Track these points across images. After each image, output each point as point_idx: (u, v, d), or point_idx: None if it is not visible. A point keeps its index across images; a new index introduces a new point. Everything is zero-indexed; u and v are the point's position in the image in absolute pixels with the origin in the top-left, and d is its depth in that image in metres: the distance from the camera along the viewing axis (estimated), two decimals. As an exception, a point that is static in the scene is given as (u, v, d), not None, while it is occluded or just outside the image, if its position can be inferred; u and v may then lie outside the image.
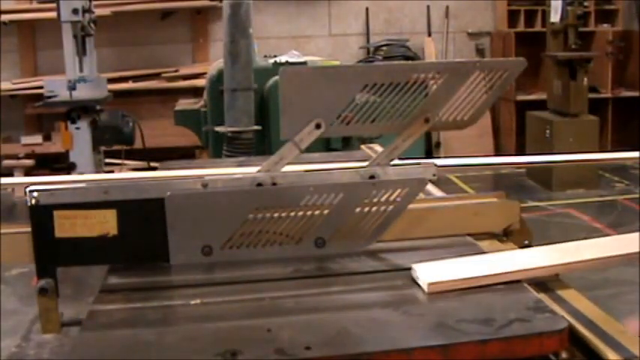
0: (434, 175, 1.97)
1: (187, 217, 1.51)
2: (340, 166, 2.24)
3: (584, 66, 6.15)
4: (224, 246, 1.53)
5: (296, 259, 1.56)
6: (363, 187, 1.57)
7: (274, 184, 1.58)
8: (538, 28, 7.18)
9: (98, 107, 4.92)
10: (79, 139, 4.79)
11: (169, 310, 1.39)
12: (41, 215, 1.50)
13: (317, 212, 1.54)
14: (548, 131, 6.24)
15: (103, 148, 5.08)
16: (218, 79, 4.39)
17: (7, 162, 6.37)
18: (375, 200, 1.56)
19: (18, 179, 4.53)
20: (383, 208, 1.57)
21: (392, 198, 1.57)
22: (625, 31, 7.50)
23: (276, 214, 1.53)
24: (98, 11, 5.27)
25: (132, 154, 5.71)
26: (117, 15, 6.36)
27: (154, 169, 3.01)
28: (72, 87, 4.80)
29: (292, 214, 1.53)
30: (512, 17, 7.33)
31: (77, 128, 4.80)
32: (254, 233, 1.54)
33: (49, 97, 4.90)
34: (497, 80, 1.75)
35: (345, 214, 1.56)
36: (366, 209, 1.57)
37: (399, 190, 1.57)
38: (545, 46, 6.60)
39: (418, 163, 1.81)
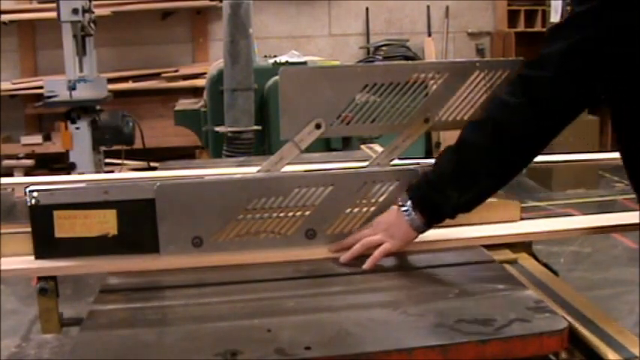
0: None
1: (177, 208, 1.51)
2: (340, 166, 2.25)
3: (584, 66, 6.14)
4: (214, 237, 1.53)
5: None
6: (353, 178, 1.57)
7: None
8: (538, 28, 7.17)
9: (98, 107, 4.92)
10: (79, 139, 4.79)
11: (169, 310, 1.39)
12: (41, 215, 1.50)
13: (308, 203, 1.54)
14: (548, 131, 6.23)
15: (103, 148, 5.08)
16: (218, 79, 4.38)
17: (7, 162, 6.37)
18: (366, 192, 1.56)
19: (18, 179, 4.52)
20: (373, 199, 1.57)
21: (382, 190, 1.57)
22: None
23: (266, 205, 1.53)
24: (98, 11, 5.27)
25: (132, 154, 5.71)
26: (117, 15, 6.35)
27: (154, 169, 3.01)
28: (72, 87, 4.80)
29: (283, 204, 1.53)
30: (512, 17, 7.32)
31: (77, 128, 4.80)
32: (244, 224, 1.54)
33: (49, 97, 4.89)
34: (497, 80, 1.75)
35: (335, 205, 1.56)
36: (357, 200, 1.57)
37: (389, 182, 1.57)
38: (545, 46, 6.59)
39: (418, 163, 1.81)
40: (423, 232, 1.51)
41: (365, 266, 1.50)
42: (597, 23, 1.31)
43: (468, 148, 1.43)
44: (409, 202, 1.49)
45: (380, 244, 1.51)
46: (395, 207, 1.52)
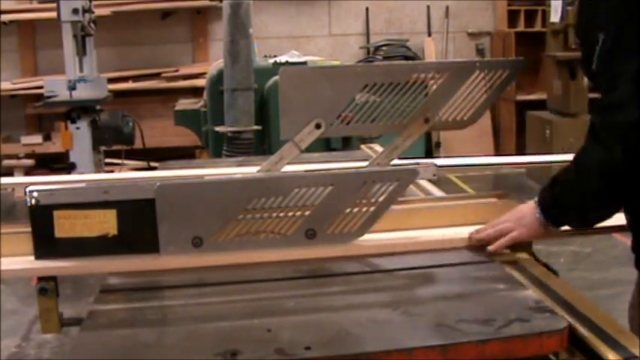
0: (434, 175, 1.97)
1: (177, 208, 1.51)
2: (340, 166, 2.25)
3: (584, 66, 6.14)
4: (214, 237, 1.53)
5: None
6: (353, 178, 1.57)
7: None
8: (538, 28, 7.16)
9: (98, 107, 4.91)
10: (79, 139, 4.79)
11: (169, 310, 1.39)
12: (41, 215, 1.50)
13: (308, 203, 1.54)
14: (548, 131, 6.24)
15: (103, 148, 5.08)
16: (218, 79, 4.38)
17: (7, 162, 6.37)
18: (366, 192, 1.56)
19: (18, 179, 4.53)
20: (373, 199, 1.57)
21: (382, 190, 1.57)
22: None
23: (266, 205, 1.53)
24: (98, 11, 5.27)
25: (132, 154, 5.71)
26: (117, 15, 6.35)
27: (154, 169, 3.01)
28: (72, 87, 4.80)
29: (283, 204, 1.53)
30: (512, 17, 7.32)
31: (77, 128, 4.79)
32: (244, 224, 1.54)
33: (49, 97, 4.89)
34: (497, 80, 1.75)
35: (335, 206, 1.56)
36: (357, 200, 1.57)
37: (389, 182, 1.57)
38: (545, 46, 6.60)
39: (418, 163, 1.81)
40: (550, 228, 1.57)
41: (491, 248, 1.57)
42: None
43: (582, 193, 1.49)
44: (539, 207, 1.56)
45: (510, 232, 1.58)
46: (533, 202, 1.59)
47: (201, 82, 5.87)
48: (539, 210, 1.55)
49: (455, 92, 1.75)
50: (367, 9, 7.23)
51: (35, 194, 1.50)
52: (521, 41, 7.06)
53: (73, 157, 4.80)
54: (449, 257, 1.56)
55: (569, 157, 2.17)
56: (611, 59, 1.37)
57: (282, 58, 4.79)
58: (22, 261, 1.54)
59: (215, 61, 5.10)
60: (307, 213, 1.55)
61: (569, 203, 1.52)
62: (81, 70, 4.85)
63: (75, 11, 4.60)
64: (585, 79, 6.20)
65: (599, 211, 1.52)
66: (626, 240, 1.63)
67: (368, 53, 7.18)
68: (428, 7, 7.32)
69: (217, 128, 4.24)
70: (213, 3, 6.63)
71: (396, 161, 1.81)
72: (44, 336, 3.25)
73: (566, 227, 1.59)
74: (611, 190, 1.46)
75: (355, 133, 1.90)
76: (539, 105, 6.75)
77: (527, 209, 1.59)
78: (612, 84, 1.38)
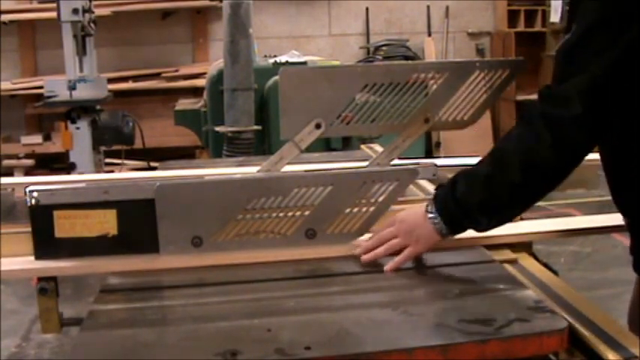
0: (434, 175, 1.97)
1: (177, 208, 1.51)
2: (340, 166, 2.25)
3: (584, 66, 6.14)
4: (214, 237, 1.53)
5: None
6: (353, 178, 1.57)
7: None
8: (538, 28, 7.17)
9: (98, 107, 4.92)
10: (79, 139, 4.79)
11: (169, 310, 1.39)
12: (41, 215, 1.50)
13: (308, 203, 1.54)
14: (548, 131, 6.24)
15: (103, 148, 5.08)
16: (218, 79, 4.38)
17: (7, 162, 6.37)
18: (366, 191, 1.56)
19: (18, 179, 4.52)
20: (373, 199, 1.57)
21: (382, 190, 1.57)
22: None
23: (266, 205, 1.53)
24: (98, 11, 5.27)
25: (132, 154, 5.71)
26: (117, 15, 6.36)
27: (154, 169, 3.01)
28: (72, 87, 4.80)
29: (283, 204, 1.53)
30: (512, 17, 7.33)
31: (77, 128, 4.80)
32: (244, 224, 1.54)
33: (49, 97, 4.90)
34: (497, 80, 1.75)
35: (335, 206, 1.56)
36: (357, 200, 1.57)
37: (389, 182, 1.57)
38: (545, 46, 6.60)
39: (418, 163, 1.81)
40: (447, 237, 1.50)
41: (387, 268, 1.49)
42: (610, 42, 1.29)
43: (496, 184, 1.41)
44: (437, 212, 1.47)
45: (403, 247, 1.50)
46: (421, 210, 1.50)
47: (201, 82, 5.87)
48: (438, 216, 1.46)
49: (455, 92, 1.75)
50: (367, 9, 7.23)
51: (35, 194, 1.50)
52: (521, 41, 7.06)
53: (73, 157, 4.80)
54: (449, 257, 1.56)
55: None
56: (579, 52, 1.32)
57: (282, 58, 4.79)
58: (22, 261, 1.54)
59: (215, 61, 5.10)
60: (307, 213, 1.55)
61: (473, 203, 1.42)
62: (81, 70, 4.85)
63: (75, 11, 4.60)
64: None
65: (507, 210, 1.44)
66: (625, 240, 1.62)
67: (368, 53, 7.18)
68: (428, 7, 7.32)
69: (217, 128, 4.24)
70: (213, 3, 6.63)
71: (396, 161, 1.81)
72: (44, 336, 3.26)
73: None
74: (527, 186, 1.39)
75: (355, 133, 1.90)
76: (539, 105, 6.74)
77: (419, 219, 1.49)
78: (568, 76, 1.33)
